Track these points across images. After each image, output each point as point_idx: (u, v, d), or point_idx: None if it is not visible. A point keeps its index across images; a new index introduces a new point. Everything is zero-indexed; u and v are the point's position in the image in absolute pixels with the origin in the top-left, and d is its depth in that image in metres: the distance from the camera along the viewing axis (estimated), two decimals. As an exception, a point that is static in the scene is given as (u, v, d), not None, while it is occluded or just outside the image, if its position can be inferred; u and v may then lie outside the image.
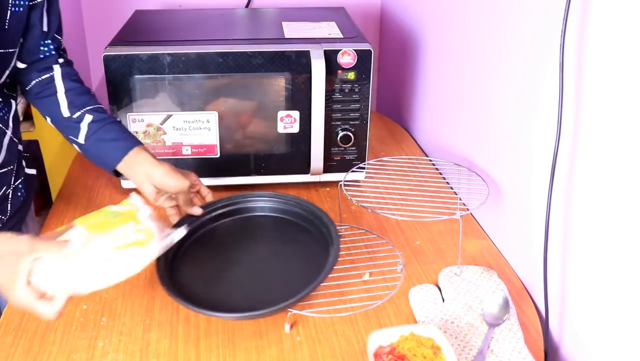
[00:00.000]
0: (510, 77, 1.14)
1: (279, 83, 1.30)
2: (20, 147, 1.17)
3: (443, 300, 1.06)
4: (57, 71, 1.14)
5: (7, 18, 1.01)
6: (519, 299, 1.08)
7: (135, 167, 1.09)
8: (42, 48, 1.13)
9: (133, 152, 1.09)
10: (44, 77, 1.14)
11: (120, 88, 1.26)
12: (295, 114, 1.32)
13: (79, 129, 1.11)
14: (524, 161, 1.10)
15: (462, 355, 0.94)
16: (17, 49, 1.07)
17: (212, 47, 1.27)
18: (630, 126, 0.82)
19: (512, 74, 1.13)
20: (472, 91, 1.31)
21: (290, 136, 1.34)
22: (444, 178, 1.40)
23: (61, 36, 1.17)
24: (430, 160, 1.46)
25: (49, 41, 1.13)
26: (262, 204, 1.20)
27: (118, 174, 1.14)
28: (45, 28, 1.11)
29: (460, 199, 1.27)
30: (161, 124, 1.29)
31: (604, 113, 0.87)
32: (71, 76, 1.16)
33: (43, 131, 1.53)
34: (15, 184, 1.15)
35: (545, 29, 1.00)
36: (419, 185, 1.25)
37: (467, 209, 1.19)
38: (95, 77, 1.84)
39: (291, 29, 1.40)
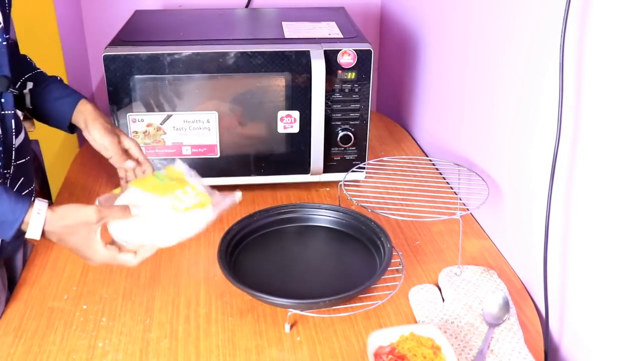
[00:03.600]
0: (510, 77, 1.14)
1: (279, 83, 1.30)
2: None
3: (443, 300, 1.06)
4: None
5: None
6: (519, 300, 1.07)
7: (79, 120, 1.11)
8: None
9: (78, 107, 1.10)
10: None
11: (120, 88, 1.26)
12: (295, 114, 1.32)
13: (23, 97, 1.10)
14: (524, 161, 1.10)
15: (462, 355, 0.94)
16: None
17: (212, 47, 1.27)
18: (630, 126, 0.82)
19: (512, 74, 1.13)
20: (472, 91, 1.31)
21: (290, 136, 1.34)
22: (444, 178, 1.40)
23: None
24: (430, 160, 1.46)
25: None
26: (324, 216, 1.22)
27: (73, 130, 1.14)
28: None
29: (460, 199, 1.27)
30: (161, 124, 1.29)
31: (604, 113, 0.87)
32: None
33: (43, 131, 1.53)
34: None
35: (546, 29, 1.00)
36: (419, 185, 1.25)
37: (467, 209, 1.19)
38: (95, 77, 1.84)
39: (291, 29, 1.40)
